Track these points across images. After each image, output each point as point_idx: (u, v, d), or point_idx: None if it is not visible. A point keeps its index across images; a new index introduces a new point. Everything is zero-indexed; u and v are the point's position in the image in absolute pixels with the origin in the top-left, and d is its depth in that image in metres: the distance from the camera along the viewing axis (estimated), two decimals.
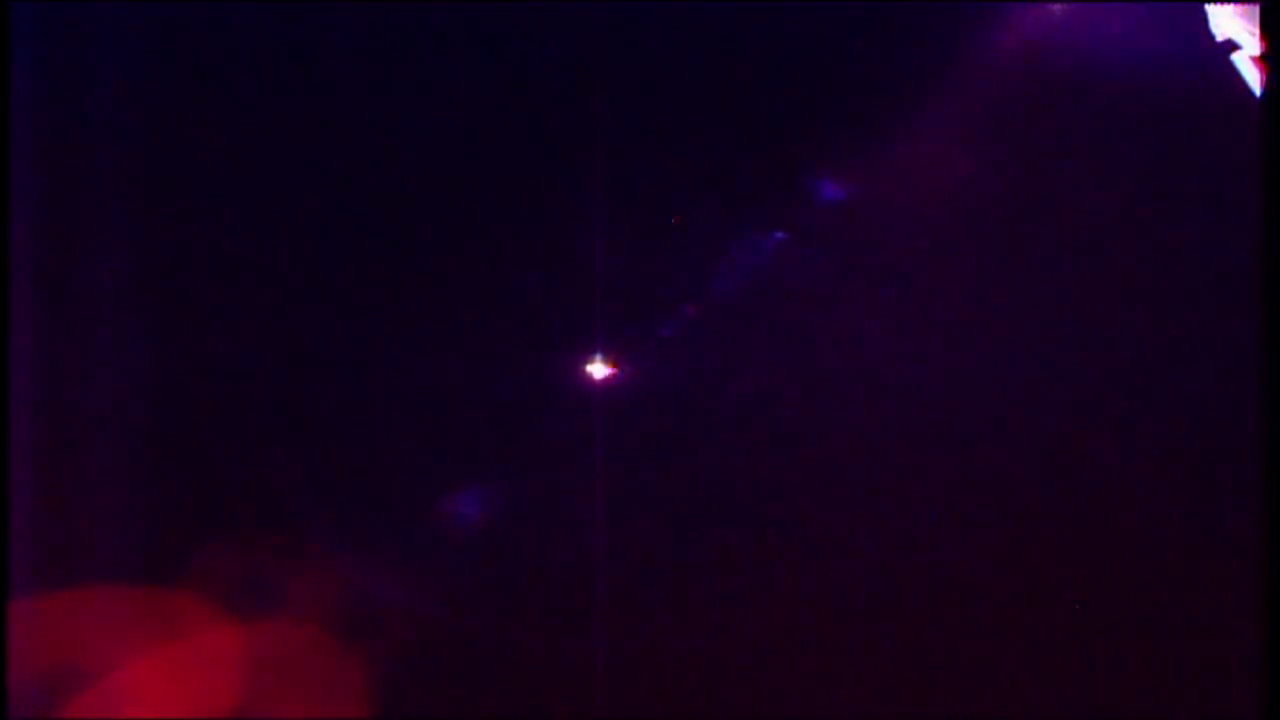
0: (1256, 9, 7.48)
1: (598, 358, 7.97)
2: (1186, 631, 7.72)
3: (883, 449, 7.90)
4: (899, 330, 7.94)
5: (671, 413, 7.98)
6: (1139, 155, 7.89)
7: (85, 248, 7.87)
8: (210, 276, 7.99)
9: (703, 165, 8.00)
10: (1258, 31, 7.44)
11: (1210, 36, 7.68)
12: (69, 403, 7.78)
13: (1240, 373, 7.61)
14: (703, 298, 7.99)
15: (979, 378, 7.91)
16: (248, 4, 7.96)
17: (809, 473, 7.91)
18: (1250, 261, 7.25)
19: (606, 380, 7.97)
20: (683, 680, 7.84)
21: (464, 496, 7.96)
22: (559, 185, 8.00)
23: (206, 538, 7.78)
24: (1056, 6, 7.92)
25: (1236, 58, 7.63)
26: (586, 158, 7.99)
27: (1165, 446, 7.83)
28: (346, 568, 7.83)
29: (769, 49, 7.98)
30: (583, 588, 7.88)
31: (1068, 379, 7.89)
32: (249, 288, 7.99)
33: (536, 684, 7.86)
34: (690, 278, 8.00)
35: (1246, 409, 7.52)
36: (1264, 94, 6.94)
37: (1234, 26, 7.62)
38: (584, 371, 7.97)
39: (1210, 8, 7.66)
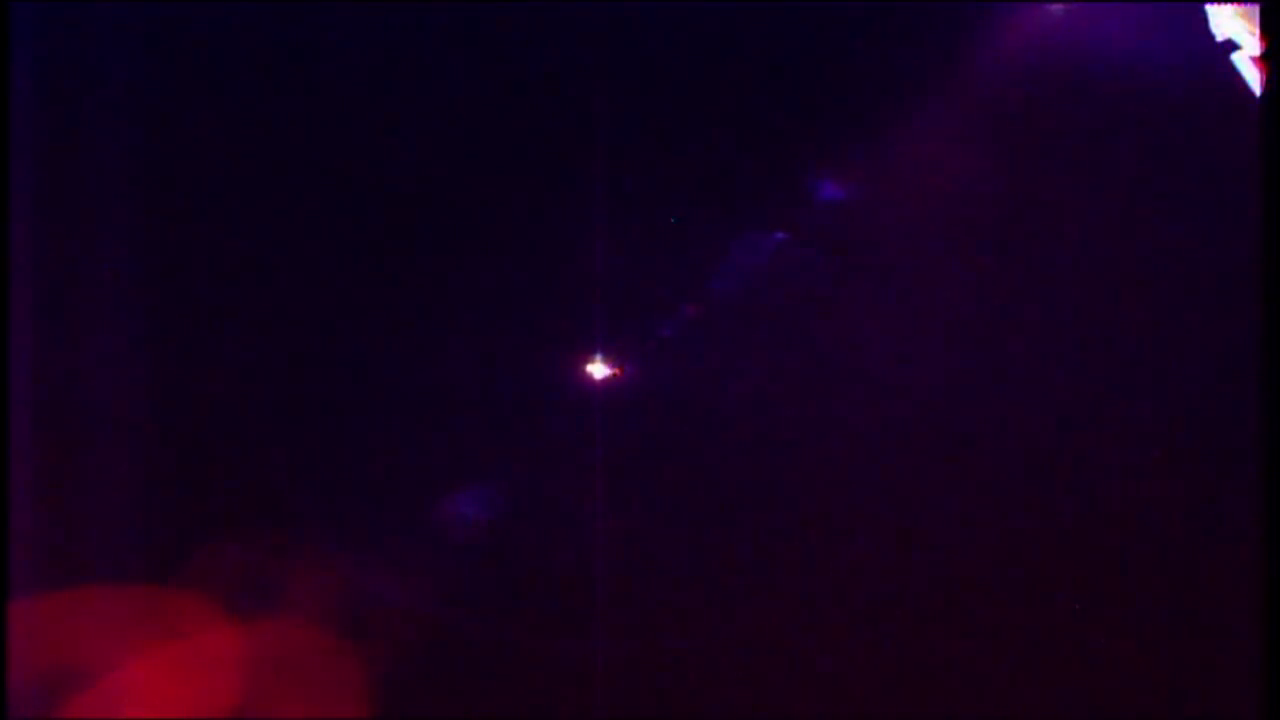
0: (1256, 9, 7.48)
1: (598, 358, 7.97)
2: (1186, 631, 7.72)
3: (882, 449, 7.90)
4: (899, 330, 7.94)
5: (671, 413, 7.98)
6: (1139, 155, 7.89)
7: (85, 248, 7.87)
8: (210, 276, 7.99)
9: (703, 165, 8.00)
10: (1258, 31, 7.44)
11: (1210, 36, 7.67)
12: (69, 403, 7.78)
13: (1240, 373, 7.61)
14: (703, 298, 7.99)
15: (979, 378, 7.91)
16: (248, 4, 7.96)
17: (809, 472, 7.91)
18: (1250, 261, 7.25)
19: (606, 380, 7.97)
20: (683, 680, 7.84)
21: (464, 496, 7.96)
22: (559, 185, 8.00)
23: (206, 538, 7.79)
24: (1056, 6, 7.92)
25: (1236, 58, 7.63)
26: (586, 158, 7.99)
27: (1165, 446, 7.83)
28: (346, 568, 7.83)
29: (769, 49, 7.98)
30: (583, 588, 7.88)
31: (1068, 379, 7.89)
32: (249, 288, 7.99)
33: (536, 684, 7.86)
34: (690, 278, 8.00)
35: (1246, 409, 7.52)
36: (1264, 94, 6.94)
37: (1234, 26, 7.61)
38: (584, 371, 7.97)
39: (1210, 8, 7.66)
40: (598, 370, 7.97)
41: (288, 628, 7.68)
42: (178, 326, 7.96)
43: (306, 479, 7.92)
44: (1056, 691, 7.75)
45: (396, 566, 7.88)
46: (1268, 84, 6.72)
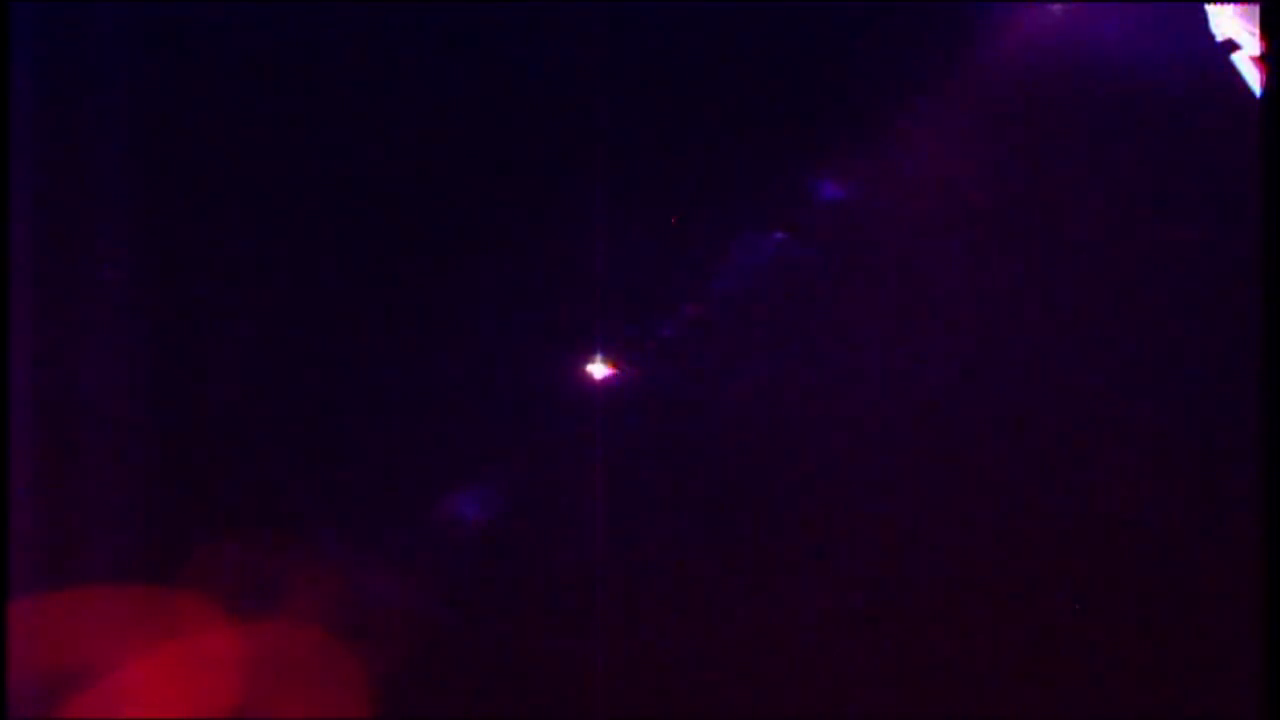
0: (1256, 9, 7.48)
1: (598, 358, 7.97)
2: (1186, 631, 7.72)
3: (883, 449, 7.90)
4: (899, 330, 7.94)
5: (671, 413, 7.98)
6: (1139, 155, 7.89)
7: (85, 248, 7.87)
8: (210, 276, 7.99)
9: (703, 165, 8.00)
10: (1258, 31, 7.44)
11: (1210, 36, 7.68)
12: (69, 403, 7.78)
13: (1240, 373, 7.61)
14: (703, 298, 7.99)
15: (979, 377, 7.91)
16: (248, 4, 7.96)
17: (809, 472, 7.91)
18: (1250, 261, 7.25)
19: (606, 380, 7.97)
20: (683, 680, 7.84)
21: (464, 496, 7.96)
22: (559, 185, 8.00)
23: (206, 538, 7.79)
24: (1056, 6, 7.92)
25: (1236, 58, 7.63)
26: (586, 158, 7.99)
27: (1165, 446, 7.83)
28: (346, 568, 7.83)
29: (769, 49, 7.98)
30: (583, 588, 7.88)
31: (1068, 378, 7.89)
32: (249, 288, 7.99)
33: (536, 684, 7.86)
34: (690, 278, 8.00)
35: (1246, 409, 7.52)
36: (1264, 94, 6.94)
37: (1234, 26, 7.62)
38: (584, 371, 7.97)
39: (1210, 8, 7.66)
40: (598, 370, 7.97)
41: (288, 628, 7.68)
42: (177, 326, 7.96)
43: (306, 479, 7.92)
44: (1057, 691, 7.75)
45: (396, 566, 7.88)
46: (1268, 84, 6.72)
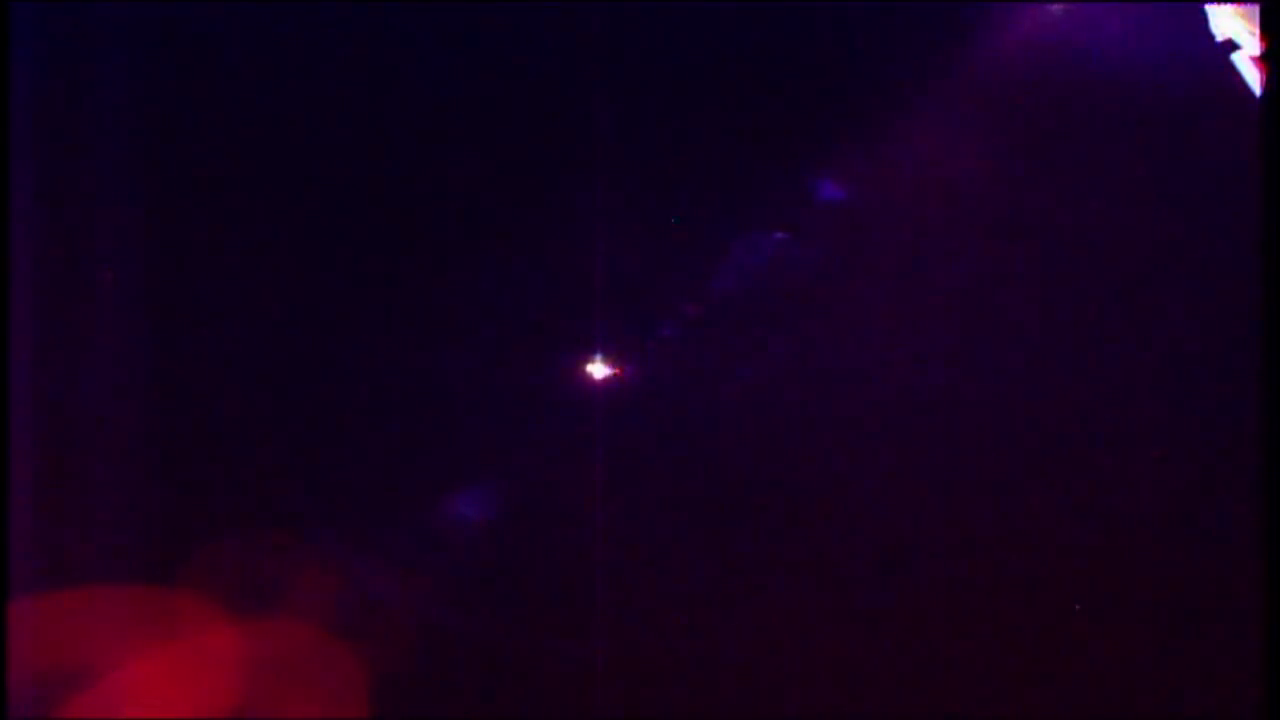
0: (1256, 9, 7.47)
1: (598, 358, 7.97)
2: (1186, 632, 7.71)
3: (884, 449, 7.90)
4: (900, 330, 7.94)
5: (671, 413, 7.98)
6: (1139, 155, 7.89)
7: (85, 248, 7.87)
8: (210, 276, 7.99)
9: (703, 165, 7.99)
10: (1258, 31, 7.44)
11: (1210, 36, 7.67)
12: (69, 403, 7.78)
13: (1240, 373, 7.61)
14: (703, 298, 7.98)
15: (980, 378, 7.90)
16: (248, 4, 7.96)
17: (809, 472, 7.91)
18: (1250, 262, 7.25)
19: (606, 380, 7.97)
20: (683, 680, 7.84)
21: (464, 496, 7.96)
22: (559, 185, 8.00)
23: (206, 538, 7.78)
24: (1056, 6, 7.92)
25: (1236, 58, 7.63)
26: (586, 157, 7.99)
27: (1165, 446, 7.82)
28: (346, 568, 7.83)
29: (769, 49, 7.97)
30: (583, 588, 7.88)
31: (1067, 379, 7.89)
32: (249, 288, 7.99)
33: (536, 684, 7.85)
34: (690, 278, 8.00)
35: (1247, 409, 7.52)
36: (1264, 94, 6.94)
37: (1234, 26, 7.61)
38: (584, 371, 7.97)
39: (1210, 8, 7.66)
40: (598, 370, 7.97)
41: (288, 628, 7.68)
42: (178, 326, 7.96)
43: (306, 479, 7.92)
44: (1057, 691, 7.75)
45: (396, 566, 7.87)
46: (1268, 84, 6.72)
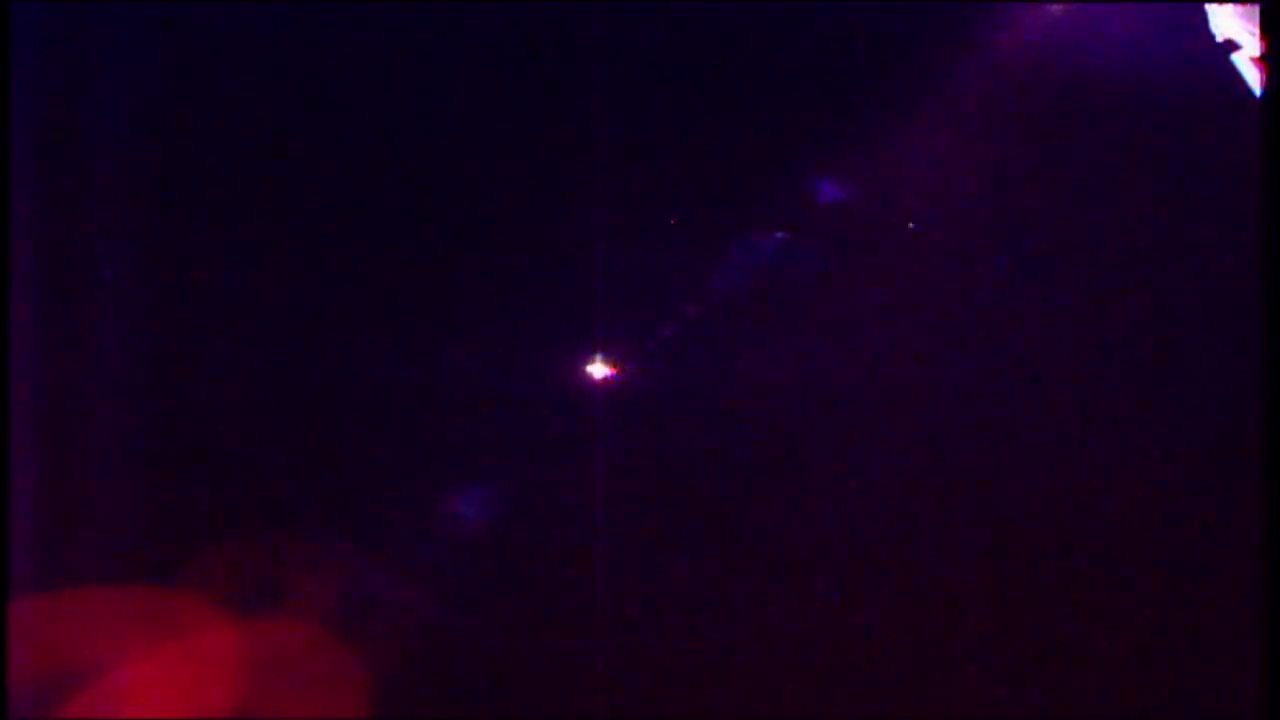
0: (1256, 9, 7.48)
1: (598, 358, 7.97)
2: (1187, 632, 7.72)
3: (884, 449, 7.90)
4: (900, 330, 7.94)
5: (671, 412, 7.98)
6: (1138, 155, 7.89)
7: (85, 248, 7.87)
8: (210, 276, 7.99)
9: (703, 165, 8.00)
10: (1258, 31, 7.44)
11: (1210, 36, 7.67)
12: (69, 403, 7.78)
13: (1241, 373, 7.61)
14: (703, 298, 7.99)
15: (980, 377, 7.91)
16: (248, 4, 7.96)
17: (810, 472, 7.91)
18: (1250, 262, 7.25)
19: (606, 380, 7.97)
20: (683, 680, 7.84)
21: (464, 496, 7.96)
22: (559, 185, 8.00)
23: (206, 538, 7.78)
24: (1056, 6, 7.92)
25: (1236, 58, 7.63)
26: (586, 158, 7.99)
27: (1165, 446, 7.83)
28: (346, 568, 7.83)
29: (768, 49, 7.98)
30: (583, 588, 7.88)
31: (1068, 379, 7.89)
32: (249, 287, 7.99)
33: (536, 684, 7.85)
34: (690, 278, 8.00)
35: (1247, 409, 7.52)
36: (1264, 94, 6.94)
37: (1234, 26, 7.61)
38: (584, 371, 7.97)
39: (1210, 8, 7.66)
40: (598, 370, 7.97)
41: (288, 628, 7.68)
42: (178, 327, 7.96)
43: (306, 479, 7.92)
44: (1057, 691, 7.75)
45: (396, 566, 7.87)
46: (1268, 84, 6.72)
